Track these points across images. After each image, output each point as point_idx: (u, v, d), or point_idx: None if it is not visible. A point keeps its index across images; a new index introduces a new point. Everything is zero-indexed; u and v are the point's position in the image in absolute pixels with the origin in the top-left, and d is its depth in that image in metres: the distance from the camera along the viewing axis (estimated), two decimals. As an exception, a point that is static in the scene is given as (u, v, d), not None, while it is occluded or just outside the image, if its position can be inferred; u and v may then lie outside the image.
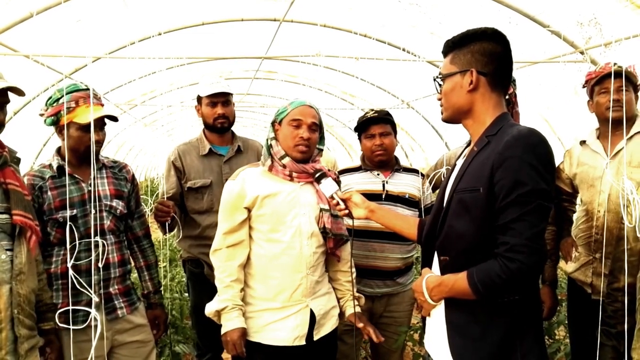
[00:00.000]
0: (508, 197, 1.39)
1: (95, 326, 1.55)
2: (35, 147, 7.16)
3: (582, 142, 2.54)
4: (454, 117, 1.63)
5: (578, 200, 2.60)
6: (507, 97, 2.45)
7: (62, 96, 2.10)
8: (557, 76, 5.23)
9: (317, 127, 2.12)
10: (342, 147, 12.54)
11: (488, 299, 1.45)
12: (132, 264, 2.45)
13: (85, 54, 4.35)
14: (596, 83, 2.41)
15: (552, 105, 6.01)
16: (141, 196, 2.53)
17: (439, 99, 1.65)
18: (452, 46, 1.61)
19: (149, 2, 4.79)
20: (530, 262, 1.37)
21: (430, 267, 1.66)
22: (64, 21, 4.47)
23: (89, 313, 2.14)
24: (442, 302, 1.57)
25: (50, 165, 2.19)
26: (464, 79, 1.55)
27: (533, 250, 1.37)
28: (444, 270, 1.58)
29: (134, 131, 11.45)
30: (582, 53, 4.43)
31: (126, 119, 9.81)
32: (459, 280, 1.48)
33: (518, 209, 1.38)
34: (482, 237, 1.46)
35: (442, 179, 2.68)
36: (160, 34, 5.07)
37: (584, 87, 2.52)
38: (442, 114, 1.66)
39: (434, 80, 1.66)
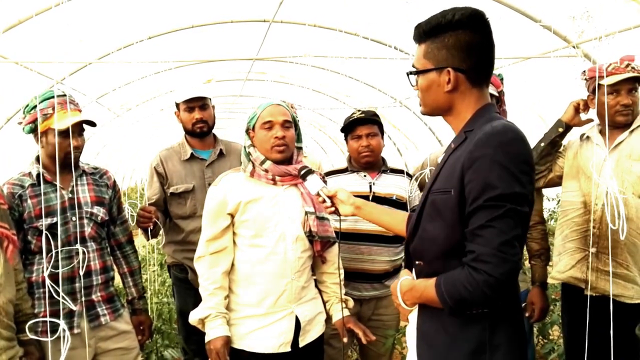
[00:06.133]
0: (477, 201, 1.26)
1: (64, 337, 1.51)
2: (29, 154, 7.10)
3: (583, 137, 2.50)
4: (433, 113, 1.51)
5: (571, 195, 2.53)
6: (496, 95, 2.43)
7: (39, 103, 2.07)
8: (550, 71, 5.18)
9: (290, 124, 2.08)
10: (335, 146, 12.46)
11: (456, 311, 1.34)
12: (115, 270, 2.42)
13: (75, 60, 4.31)
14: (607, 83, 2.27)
15: (545, 101, 5.97)
16: (133, 200, 2.50)
17: (416, 90, 1.52)
18: (423, 36, 1.44)
19: (137, 6, 4.75)
20: (497, 273, 1.23)
21: (411, 269, 1.59)
22: (54, 27, 4.44)
23: (71, 321, 2.11)
24: (417, 308, 1.50)
25: (30, 174, 2.16)
26: (441, 78, 1.41)
27: (501, 260, 1.23)
28: (418, 275, 1.49)
29: (127, 135, 11.41)
30: (575, 47, 4.39)
31: (119, 123, 9.76)
32: (428, 287, 1.38)
33: (487, 214, 1.25)
34: (457, 242, 1.34)
35: (427, 180, 2.64)
36: (150, 38, 5.04)
37: (586, 80, 2.43)
38: (420, 106, 1.53)
39: (407, 75, 1.51)
